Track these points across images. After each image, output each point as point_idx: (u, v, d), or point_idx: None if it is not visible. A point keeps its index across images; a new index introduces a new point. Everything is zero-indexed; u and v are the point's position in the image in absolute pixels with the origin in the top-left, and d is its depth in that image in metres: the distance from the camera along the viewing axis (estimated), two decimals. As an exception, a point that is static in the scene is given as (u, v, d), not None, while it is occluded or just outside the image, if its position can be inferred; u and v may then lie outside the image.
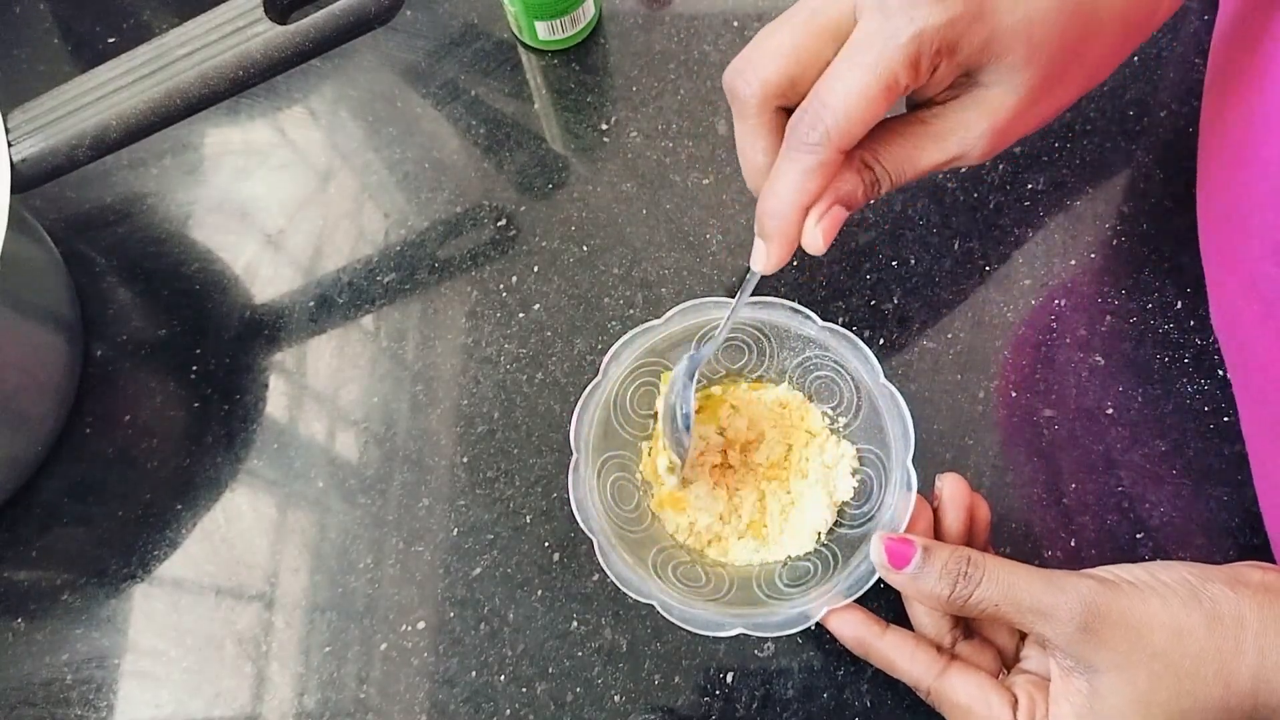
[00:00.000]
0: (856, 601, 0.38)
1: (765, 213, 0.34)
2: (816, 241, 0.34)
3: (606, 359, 0.42)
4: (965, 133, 0.34)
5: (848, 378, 0.42)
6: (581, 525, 0.39)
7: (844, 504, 0.42)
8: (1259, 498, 0.42)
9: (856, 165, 0.34)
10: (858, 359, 0.41)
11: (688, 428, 0.40)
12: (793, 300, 0.42)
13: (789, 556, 0.41)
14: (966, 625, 0.38)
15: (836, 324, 0.45)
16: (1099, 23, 0.33)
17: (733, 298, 0.43)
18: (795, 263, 0.47)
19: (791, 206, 0.33)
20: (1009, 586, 0.34)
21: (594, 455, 0.41)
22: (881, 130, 0.35)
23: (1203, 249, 0.45)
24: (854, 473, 0.42)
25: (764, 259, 0.35)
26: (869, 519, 0.40)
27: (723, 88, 0.35)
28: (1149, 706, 0.32)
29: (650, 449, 0.43)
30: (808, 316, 0.42)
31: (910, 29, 0.30)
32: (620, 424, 0.42)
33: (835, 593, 0.38)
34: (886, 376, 0.41)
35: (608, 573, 0.38)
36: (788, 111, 0.33)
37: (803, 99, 0.33)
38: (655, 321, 0.42)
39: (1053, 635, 0.33)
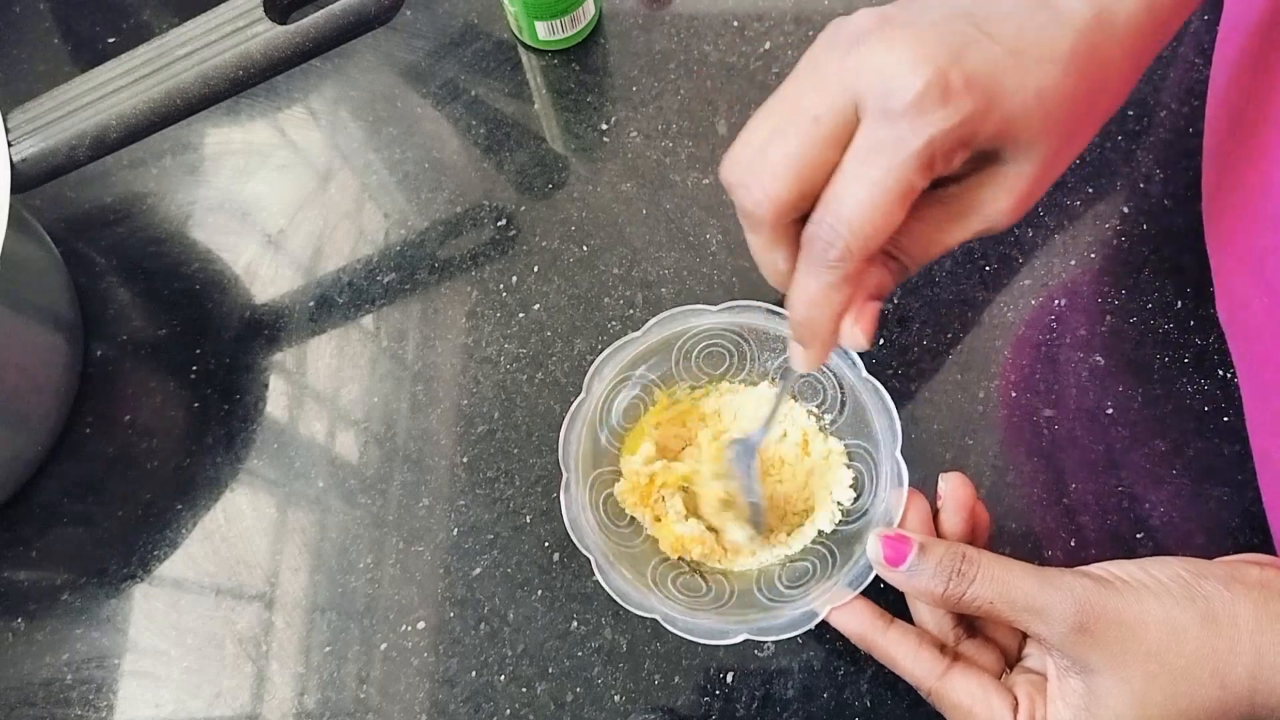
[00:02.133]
0: (863, 594, 0.38)
1: (799, 324, 0.33)
2: (859, 341, 0.33)
3: (589, 375, 0.42)
4: (988, 210, 0.33)
5: (829, 375, 0.42)
6: (577, 545, 0.39)
7: (838, 500, 0.42)
8: (1262, 493, 0.42)
9: (879, 257, 0.34)
10: (838, 355, 0.42)
11: (758, 508, 0.41)
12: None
13: (788, 557, 0.41)
14: (970, 623, 0.38)
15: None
16: (1110, 69, 0.32)
17: (730, 300, 0.43)
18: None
19: (824, 318, 0.33)
20: (1004, 584, 0.33)
21: (584, 473, 0.41)
22: (908, 223, 0.34)
23: (1209, 240, 0.45)
24: (845, 468, 0.42)
25: (804, 363, 0.35)
26: (863, 514, 0.40)
27: (723, 184, 0.33)
28: (1145, 706, 0.32)
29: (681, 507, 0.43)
30: (785, 317, 0.42)
31: (921, 137, 0.29)
32: (608, 440, 0.43)
33: (838, 588, 0.38)
34: (887, 375, 0.41)
35: (608, 590, 0.38)
36: (800, 220, 0.32)
37: (813, 205, 0.31)
38: (635, 334, 0.43)
39: (1047, 634, 0.33)
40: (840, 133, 0.30)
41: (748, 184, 0.31)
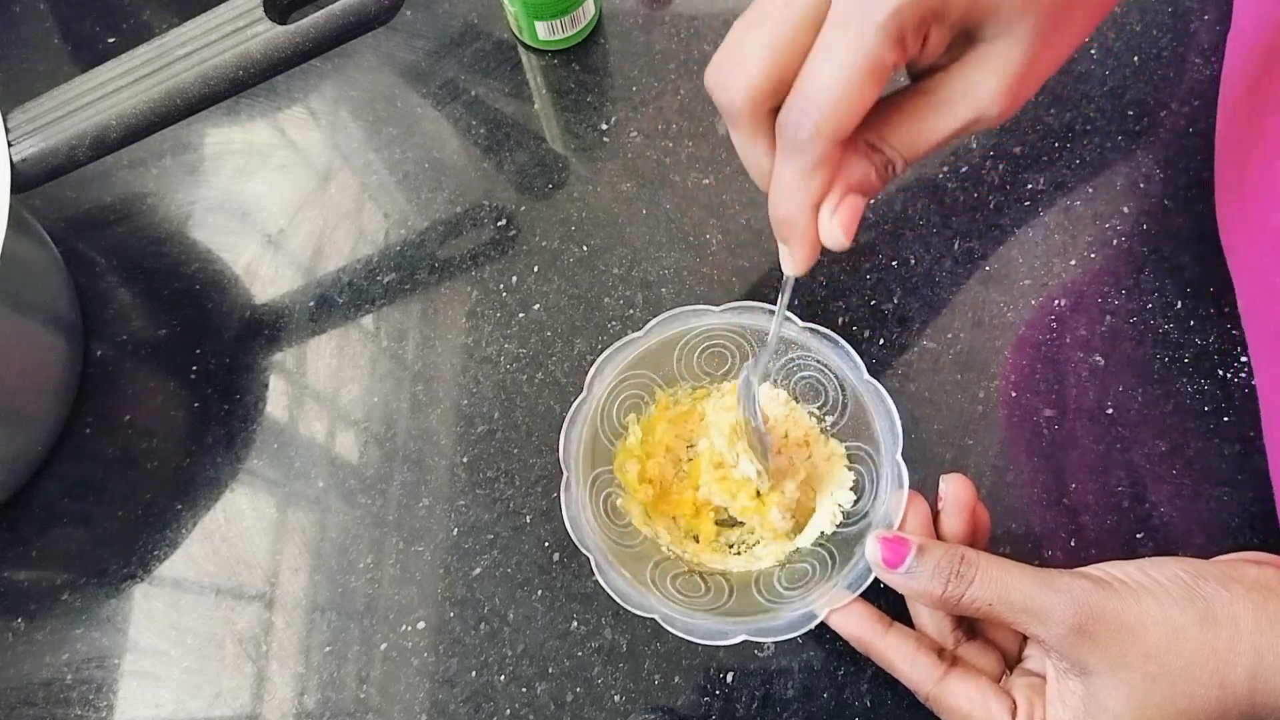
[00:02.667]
0: (862, 595, 0.38)
1: (778, 219, 0.32)
2: (837, 235, 0.32)
3: (590, 374, 0.42)
4: (976, 94, 0.31)
5: (831, 377, 0.42)
6: (577, 544, 0.39)
7: (838, 502, 0.42)
8: (1274, 485, 0.41)
9: (863, 149, 0.32)
10: (840, 357, 0.42)
11: (761, 433, 0.40)
12: (793, 299, 0.42)
13: (787, 558, 0.41)
14: (970, 625, 0.38)
15: (836, 324, 0.45)
16: None
17: (727, 302, 0.43)
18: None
19: (801, 208, 0.31)
20: (1002, 586, 0.33)
21: (584, 472, 0.41)
22: (885, 107, 0.32)
23: (1225, 238, 0.45)
24: (846, 470, 0.42)
25: (791, 262, 0.33)
26: (863, 516, 0.40)
27: (706, 90, 0.33)
28: (1144, 708, 0.32)
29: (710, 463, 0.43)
30: (789, 318, 0.42)
31: (887, 7, 0.28)
32: (608, 439, 0.43)
33: (837, 590, 0.38)
34: (887, 376, 0.41)
35: (607, 589, 0.38)
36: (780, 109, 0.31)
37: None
38: (636, 334, 0.43)
39: (1046, 636, 0.33)
40: (813, 15, 0.29)
41: (723, 75, 0.31)
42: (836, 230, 0.32)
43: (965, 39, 0.31)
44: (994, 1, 0.29)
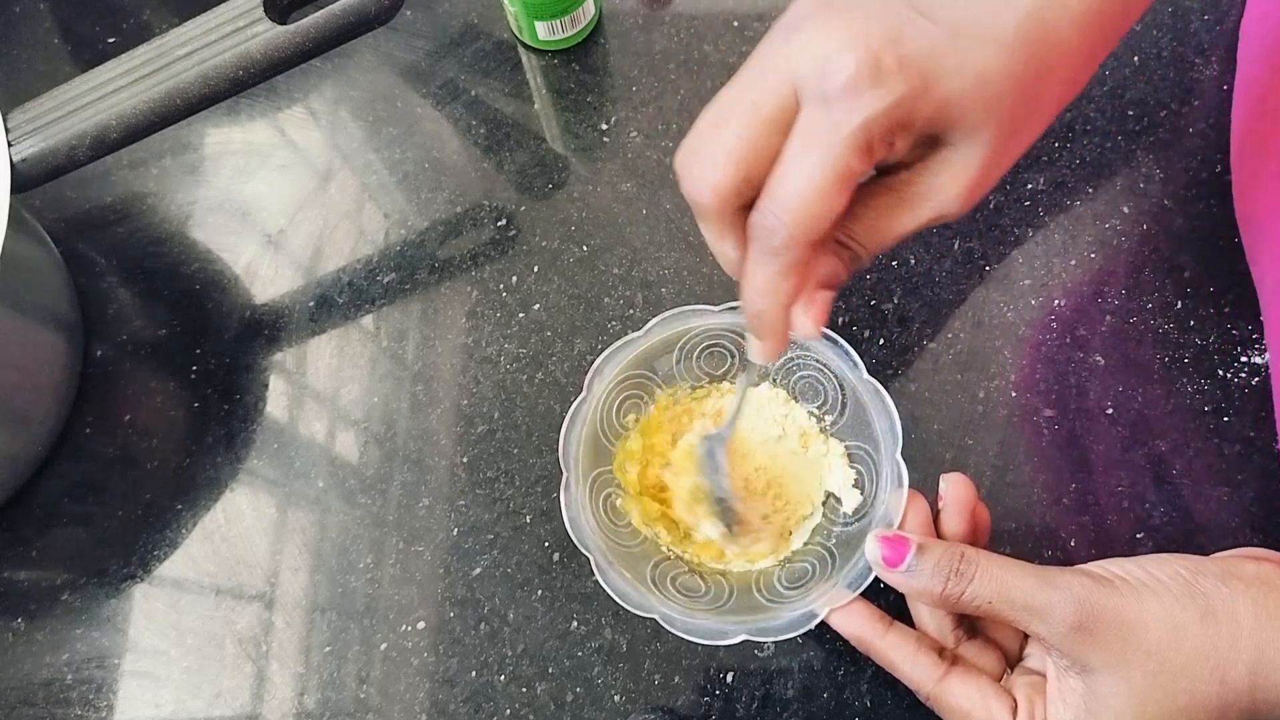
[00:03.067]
0: (863, 595, 0.38)
1: (751, 315, 0.33)
2: (809, 330, 0.33)
3: (590, 374, 0.42)
4: (938, 196, 0.32)
5: (831, 376, 0.42)
6: (576, 544, 0.39)
7: (837, 502, 0.42)
8: None
9: (830, 245, 0.33)
10: (839, 357, 0.42)
11: (727, 504, 0.41)
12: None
13: (787, 558, 0.41)
14: (970, 624, 0.38)
15: (836, 324, 0.45)
16: (1061, 49, 0.31)
17: (726, 302, 0.43)
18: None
19: (774, 307, 0.32)
20: (1002, 584, 0.33)
21: (584, 472, 0.41)
22: (851, 204, 0.32)
23: (1245, 235, 0.45)
24: (846, 469, 0.42)
25: (760, 353, 0.34)
26: (863, 516, 0.40)
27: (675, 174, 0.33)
28: (1144, 705, 0.32)
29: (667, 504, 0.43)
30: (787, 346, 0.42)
31: (856, 119, 0.28)
32: (608, 439, 0.43)
33: (837, 589, 0.38)
34: (887, 376, 0.41)
35: (607, 589, 0.38)
36: (749, 207, 0.32)
37: (758, 193, 0.31)
38: (636, 334, 0.43)
39: (1046, 634, 0.33)
40: (781, 119, 0.30)
41: (691, 172, 0.31)
42: (809, 326, 0.33)
43: (930, 141, 0.32)
44: (958, 112, 0.30)
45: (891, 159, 0.32)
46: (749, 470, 0.43)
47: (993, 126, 0.30)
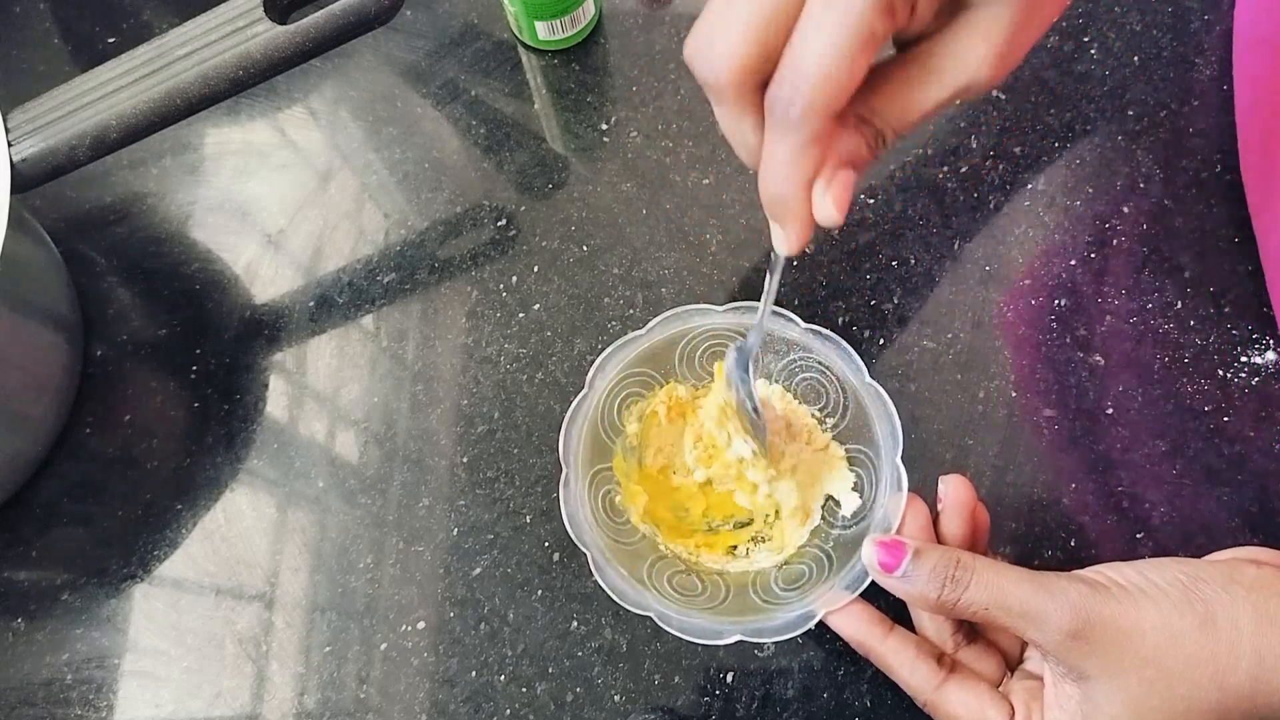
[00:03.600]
0: (862, 596, 0.38)
1: (769, 198, 0.31)
2: (830, 213, 0.31)
3: (591, 372, 0.42)
4: (966, 61, 0.30)
5: (833, 378, 0.42)
6: (575, 540, 0.39)
7: (836, 505, 0.42)
8: None
9: (853, 122, 0.31)
10: (842, 359, 0.42)
11: (758, 413, 0.39)
12: (793, 299, 0.42)
13: (785, 559, 0.41)
14: (971, 628, 0.38)
15: (836, 324, 0.45)
16: None
17: (727, 302, 0.43)
18: (794, 262, 0.47)
19: (794, 186, 0.30)
20: (998, 590, 0.33)
21: (584, 469, 0.41)
22: (873, 78, 0.31)
23: (1262, 239, 0.45)
24: (845, 472, 0.42)
25: (784, 242, 0.32)
26: (862, 519, 0.40)
27: (686, 63, 0.31)
28: (1140, 712, 0.32)
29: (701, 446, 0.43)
30: (790, 319, 0.42)
31: None
32: (608, 436, 0.43)
33: (836, 590, 0.38)
34: (887, 376, 0.41)
35: (604, 587, 0.38)
36: (766, 86, 0.30)
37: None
38: (638, 332, 0.43)
39: (1043, 641, 0.33)
40: None
41: (703, 52, 0.30)
42: (830, 207, 0.31)
43: (952, 6, 0.30)
44: None
45: (915, 28, 0.30)
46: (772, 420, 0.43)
47: None
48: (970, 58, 0.30)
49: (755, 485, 0.41)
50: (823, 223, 0.31)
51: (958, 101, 0.32)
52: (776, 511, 0.42)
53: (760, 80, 0.30)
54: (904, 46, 0.32)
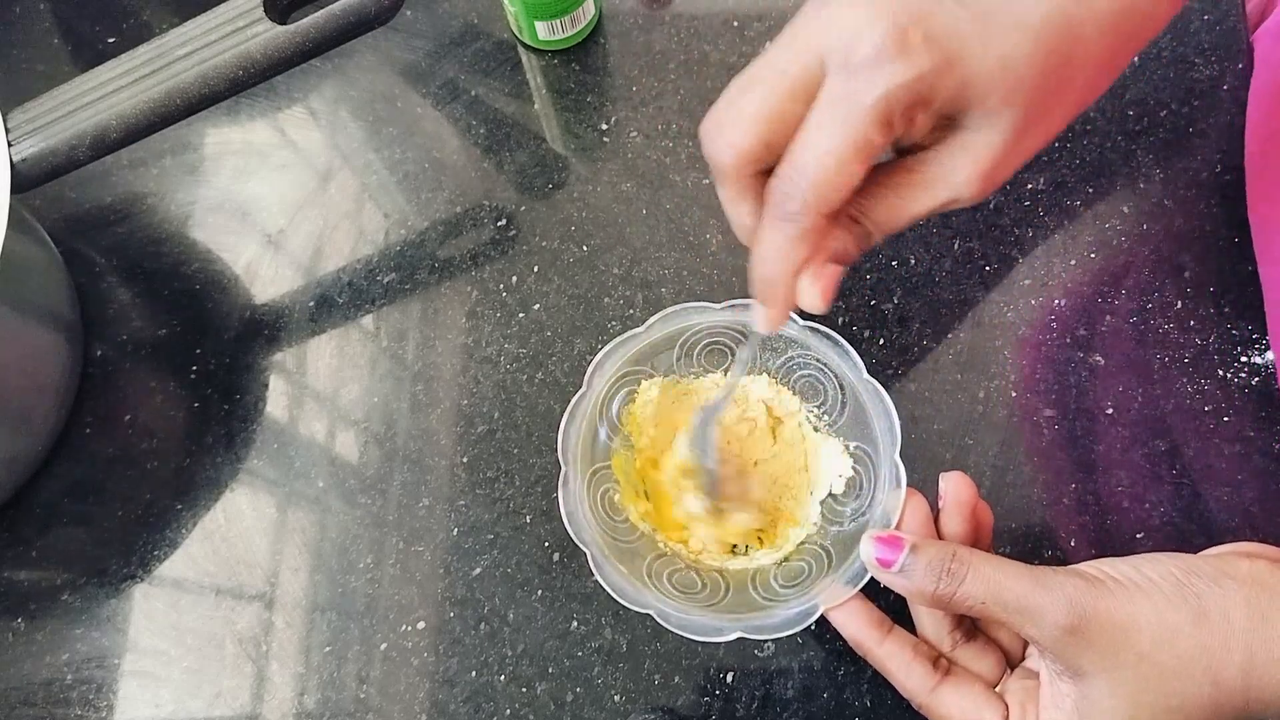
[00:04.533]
0: (862, 594, 0.38)
1: (759, 280, 0.34)
2: (816, 303, 0.33)
3: (590, 370, 0.42)
4: (953, 179, 0.33)
5: (831, 376, 0.42)
6: (574, 538, 0.39)
7: (835, 502, 0.42)
8: None
9: (844, 221, 0.34)
10: (840, 357, 0.42)
11: (712, 475, 0.41)
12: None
13: (784, 556, 0.41)
14: (971, 625, 0.38)
15: (836, 324, 0.45)
16: (1083, 46, 0.32)
17: (722, 303, 0.43)
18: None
19: (783, 274, 0.33)
20: (995, 584, 0.33)
21: (583, 467, 0.41)
22: (867, 182, 0.33)
23: (1259, 247, 0.45)
24: (844, 469, 0.42)
25: (764, 322, 0.35)
26: (861, 515, 0.40)
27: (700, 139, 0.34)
28: (1136, 707, 0.32)
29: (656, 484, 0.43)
30: (790, 317, 0.42)
31: (877, 90, 0.29)
32: (607, 434, 0.43)
33: (836, 585, 0.38)
34: (887, 376, 0.41)
35: (603, 584, 0.38)
36: (767, 173, 0.32)
37: (777, 159, 0.32)
38: (637, 330, 0.43)
39: (1039, 636, 0.33)
40: (805, 88, 0.31)
41: (714, 134, 0.32)
42: (816, 297, 0.33)
43: (949, 123, 0.32)
44: (979, 92, 0.30)
45: (911, 138, 0.32)
46: (740, 451, 0.43)
47: (1012, 112, 0.31)
48: (960, 177, 0.33)
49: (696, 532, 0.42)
50: (809, 309, 0.34)
51: (943, 211, 0.34)
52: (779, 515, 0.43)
53: (761, 169, 0.33)
54: (902, 153, 0.34)
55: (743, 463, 0.43)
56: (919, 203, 0.33)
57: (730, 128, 0.32)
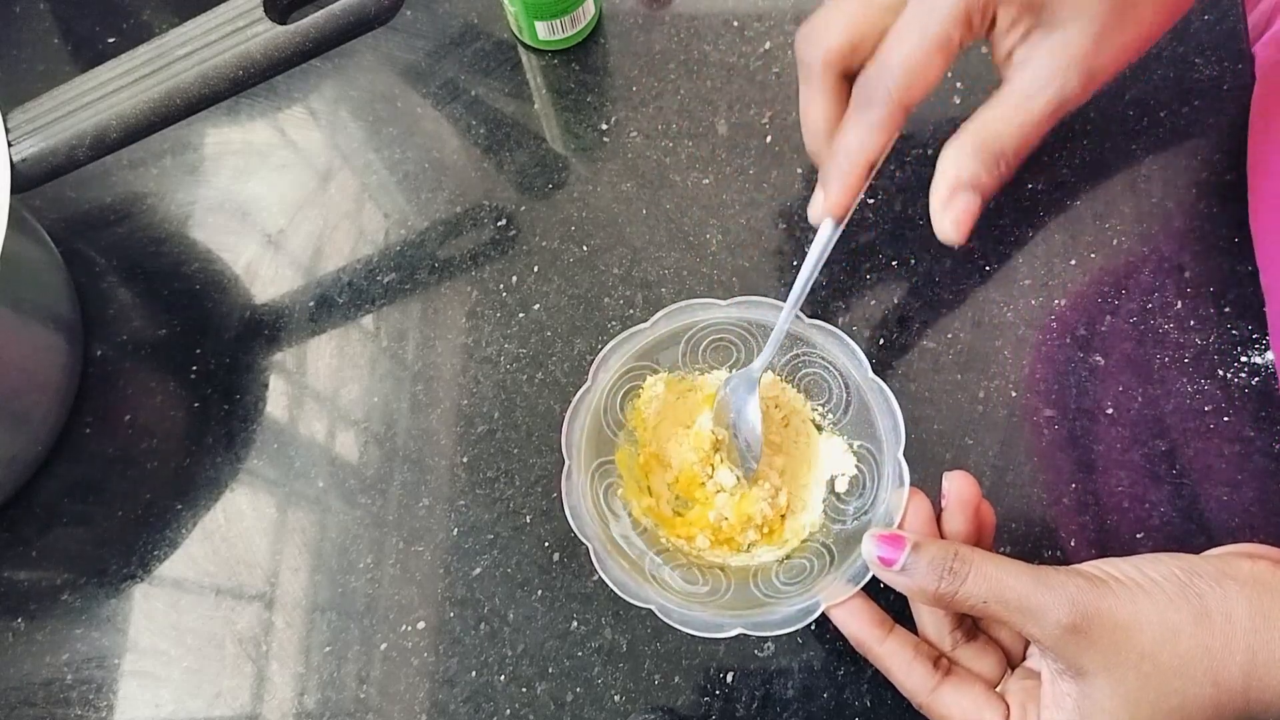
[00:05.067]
0: (863, 592, 0.38)
1: (833, 163, 0.37)
2: (948, 230, 0.37)
3: (595, 364, 0.42)
4: (1054, 73, 0.36)
5: (836, 374, 0.42)
6: (576, 532, 0.39)
7: (838, 500, 0.42)
8: None
9: (972, 149, 0.37)
10: (845, 354, 0.42)
11: (754, 447, 0.42)
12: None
13: (786, 554, 0.41)
14: (972, 625, 0.38)
15: (837, 324, 0.45)
16: None
17: (728, 299, 0.43)
18: (795, 261, 0.47)
19: (856, 156, 0.36)
20: (997, 583, 0.33)
21: (586, 462, 0.41)
22: (984, 106, 0.37)
23: (1254, 210, 0.45)
24: (847, 467, 0.42)
25: (821, 209, 0.38)
26: (863, 514, 0.40)
27: (797, 56, 0.39)
28: (1138, 706, 0.32)
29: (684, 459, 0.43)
30: (796, 315, 0.42)
31: None
32: (611, 429, 0.43)
33: (838, 583, 0.38)
34: (887, 376, 0.41)
35: (605, 579, 0.38)
36: (849, 80, 0.37)
37: (862, 65, 0.36)
38: (642, 325, 0.43)
39: (1041, 635, 0.33)
40: (894, 1, 0.36)
41: (808, 36, 0.38)
42: (947, 224, 0.37)
43: (1037, 26, 0.36)
44: None
45: (1003, 41, 0.36)
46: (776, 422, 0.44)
47: (1092, 13, 0.35)
48: (1056, 66, 0.36)
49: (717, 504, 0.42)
50: (944, 238, 0.37)
51: (1060, 117, 0.37)
52: (782, 515, 0.43)
53: (845, 70, 0.38)
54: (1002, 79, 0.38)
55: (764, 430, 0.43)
56: (1034, 103, 0.36)
57: (823, 30, 0.37)
